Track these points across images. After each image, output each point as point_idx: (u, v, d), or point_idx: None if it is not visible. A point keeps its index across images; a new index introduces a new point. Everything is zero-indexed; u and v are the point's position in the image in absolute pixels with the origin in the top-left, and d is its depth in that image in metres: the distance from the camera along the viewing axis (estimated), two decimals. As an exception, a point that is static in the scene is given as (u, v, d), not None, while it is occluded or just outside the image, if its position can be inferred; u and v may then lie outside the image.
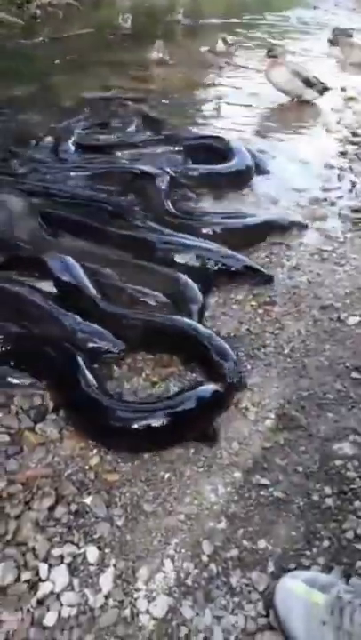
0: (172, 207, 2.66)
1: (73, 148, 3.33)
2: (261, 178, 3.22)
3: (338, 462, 1.53)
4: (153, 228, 2.45)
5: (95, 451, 1.51)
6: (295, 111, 4.60)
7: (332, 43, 6.99)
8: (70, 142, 3.38)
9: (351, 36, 7.23)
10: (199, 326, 1.87)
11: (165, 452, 1.51)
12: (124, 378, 1.76)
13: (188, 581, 1.23)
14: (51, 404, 1.62)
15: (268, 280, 2.28)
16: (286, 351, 1.94)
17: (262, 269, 2.32)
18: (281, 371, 1.85)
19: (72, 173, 2.99)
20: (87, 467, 1.46)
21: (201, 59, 5.99)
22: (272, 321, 2.08)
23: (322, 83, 4.67)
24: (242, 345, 1.94)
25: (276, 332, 2.03)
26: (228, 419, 1.63)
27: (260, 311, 2.13)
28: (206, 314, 2.08)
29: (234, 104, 4.63)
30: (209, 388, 1.59)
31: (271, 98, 4.71)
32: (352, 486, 1.46)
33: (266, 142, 3.84)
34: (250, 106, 4.57)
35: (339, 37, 7.03)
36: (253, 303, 2.17)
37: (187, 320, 1.89)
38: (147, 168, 2.92)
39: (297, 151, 3.72)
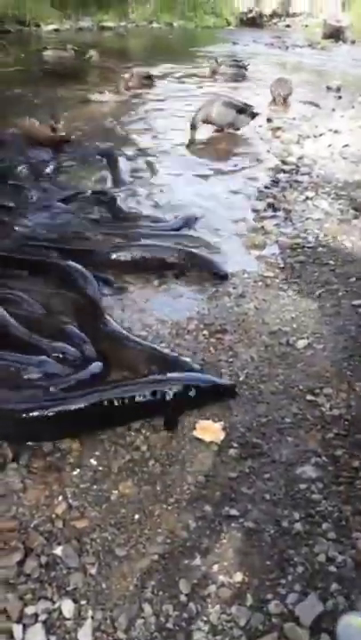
0: None
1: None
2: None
3: (302, 486, 1.56)
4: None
5: (60, 498, 1.47)
6: (226, 143, 4.76)
7: (213, 72, 7.50)
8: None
9: (245, 67, 7.63)
10: None
11: (132, 492, 1.50)
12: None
13: (169, 624, 1.21)
14: (10, 454, 1.57)
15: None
16: (242, 378, 1.97)
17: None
18: (238, 398, 1.88)
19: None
20: (54, 515, 1.42)
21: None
22: (225, 349, 2.12)
23: (249, 106, 4.88)
24: (198, 376, 1.96)
25: (230, 359, 2.06)
26: (193, 452, 1.64)
27: (213, 340, 2.17)
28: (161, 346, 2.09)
29: (167, 139, 4.75)
30: None
31: (202, 131, 4.86)
32: (318, 508, 1.49)
33: (202, 174, 3.95)
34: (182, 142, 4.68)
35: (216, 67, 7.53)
36: (205, 332, 2.20)
37: None
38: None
39: (233, 181, 3.85)
